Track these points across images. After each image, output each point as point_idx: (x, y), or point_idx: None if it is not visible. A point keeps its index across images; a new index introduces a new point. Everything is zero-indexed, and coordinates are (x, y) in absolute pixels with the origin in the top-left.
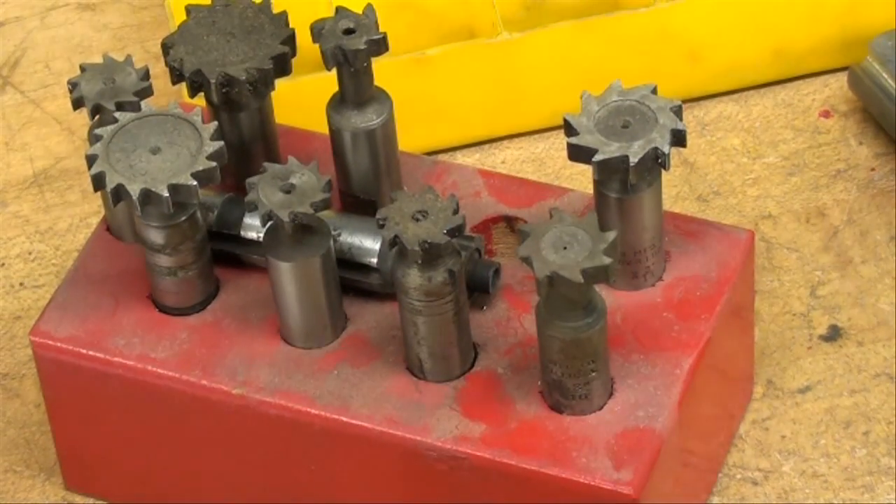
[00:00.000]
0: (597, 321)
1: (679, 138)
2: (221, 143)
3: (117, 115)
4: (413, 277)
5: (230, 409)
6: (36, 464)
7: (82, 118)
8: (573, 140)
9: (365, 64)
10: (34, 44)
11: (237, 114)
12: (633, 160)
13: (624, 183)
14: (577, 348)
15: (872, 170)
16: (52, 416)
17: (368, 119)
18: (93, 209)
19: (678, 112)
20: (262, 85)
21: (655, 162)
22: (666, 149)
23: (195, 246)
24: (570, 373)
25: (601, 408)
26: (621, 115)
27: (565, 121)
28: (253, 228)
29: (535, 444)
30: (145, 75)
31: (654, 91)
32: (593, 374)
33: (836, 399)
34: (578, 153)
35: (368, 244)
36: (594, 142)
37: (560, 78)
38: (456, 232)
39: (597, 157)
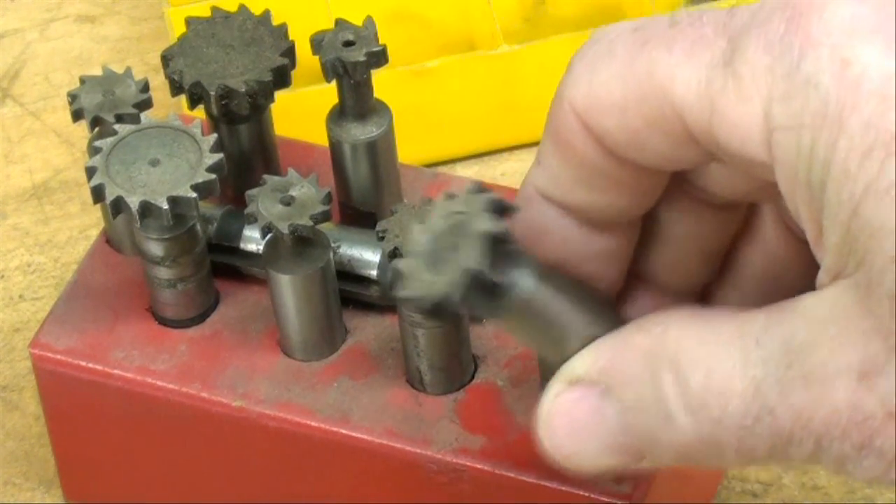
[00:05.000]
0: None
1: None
2: (221, 155)
3: (117, 127)
4: None
5: (230, 422)
6: (35, 476)
7: (82, 130)
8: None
9: (365, 76)
10: (34, 56)
11: (237, 126)
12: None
13: None
14: None
15: None
16: (52, 429)
17: (368, 131)
18: (92, 221)
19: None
20: (261, 97)
21: None
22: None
23: (194, 258)
24: None
25: None
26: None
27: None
28: (252, 241)
29: (535, 457)
30: (145, 87)
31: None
32: None
33: None
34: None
35: (368, 256)
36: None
37: None
38: None
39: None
